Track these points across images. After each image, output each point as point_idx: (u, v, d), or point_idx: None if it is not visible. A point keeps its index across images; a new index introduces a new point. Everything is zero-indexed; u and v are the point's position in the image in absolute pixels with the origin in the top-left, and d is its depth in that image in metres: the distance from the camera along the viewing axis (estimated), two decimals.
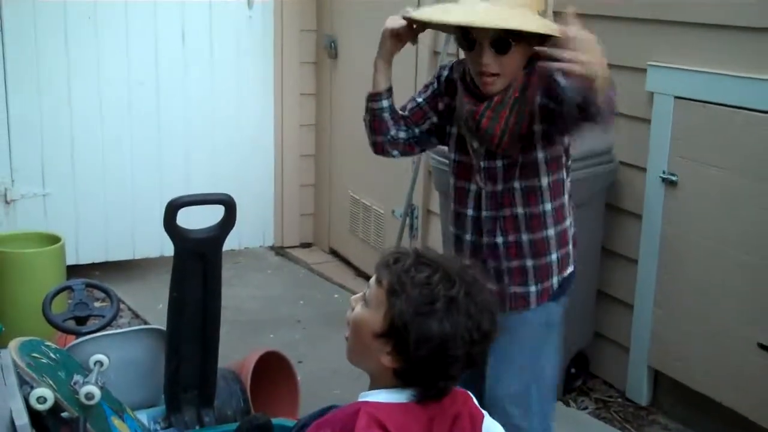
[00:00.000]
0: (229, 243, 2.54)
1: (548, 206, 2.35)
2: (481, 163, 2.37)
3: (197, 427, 2.54)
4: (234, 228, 2.50)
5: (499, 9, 2.15)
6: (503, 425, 2.37)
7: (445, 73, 2.46)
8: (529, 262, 2.38)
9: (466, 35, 2.23)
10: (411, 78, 4.27)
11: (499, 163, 2.34)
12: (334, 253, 5.40)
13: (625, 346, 3.62)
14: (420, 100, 2.51)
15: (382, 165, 4.74)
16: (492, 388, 2.43)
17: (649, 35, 3.40)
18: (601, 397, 3.71)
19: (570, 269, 2.44)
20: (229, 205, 2.42)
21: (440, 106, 2.47)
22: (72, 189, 4.74)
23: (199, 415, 2.62)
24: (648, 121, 3.40)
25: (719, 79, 3.12)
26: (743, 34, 3.07)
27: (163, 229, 2.42)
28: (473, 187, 2.42)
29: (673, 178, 3.31)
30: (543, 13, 2.23)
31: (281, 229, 5.44)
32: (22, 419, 1.93)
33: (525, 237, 2.37)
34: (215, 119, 5.06)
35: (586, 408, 3.63)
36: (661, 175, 3.34)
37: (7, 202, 4.60)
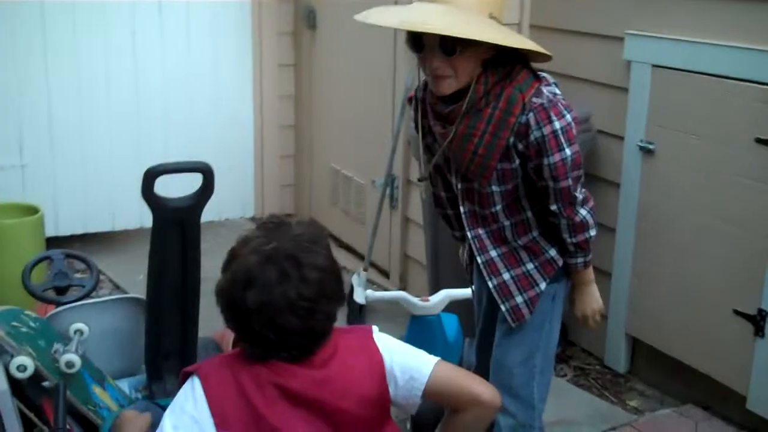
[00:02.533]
0: (210, 214, 2.55)
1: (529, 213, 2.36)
2: (458, 184, 2.38)
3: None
4: (214, 199, 2.50)
5: (438, 10, 2.12)
6: (506, 393, 2.41)
7: (416, 93, 2.42)
8: (530, 265, 2.39)
9: (416, 39, 2.19)
10: (389, 114, 4.29)
11: (475, 185, 2.33)
12: (314, 224, 5.40)
13: (604, 314, 3.64)
14: (424, 156, 2.51)
15: (361, 136, 4.74)
16: (499, 357, 2.45)
17: (626, 3, 3.40)
18: (579, 364, 3.74)
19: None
20: (206, 172, 2.42)
21: (420, 129, 2.43)
22: (50, 160, 4.71)
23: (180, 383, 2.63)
24: (625, 89, 3.41)
25: (697, 47, 3.13)
26: (722, 2, 3.08)
27: (142, 201, 2.42)
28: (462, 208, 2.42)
29: (651, 147, 3.32)
30: (500, 19, 2.19)
31: (261, 201, 5.43)
32: (2, 385, 1.94)
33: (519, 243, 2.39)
34: (193, 90, 5.02)
35: (564, 375, 3.66)
36: (639, 143, 3.36)
37: None
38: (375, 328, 1.83)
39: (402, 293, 3.21)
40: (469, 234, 2.40)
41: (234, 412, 1.66)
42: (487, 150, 2.21)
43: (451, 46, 2.12)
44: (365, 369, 1.74)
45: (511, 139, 2.19)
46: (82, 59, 4.68)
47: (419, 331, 3.03)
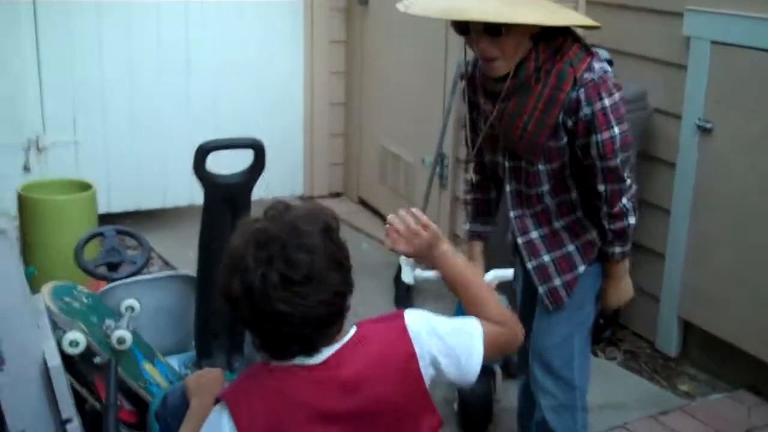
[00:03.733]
0: (258, 192, 2.54)
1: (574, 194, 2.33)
2: (506, 162, 2.35)
3: (227, 373, 2.56)
4: (263, 177, 2.49)
5: None
6: (546, 373, 2.38)
7: (468, 69, 2.40)
8: (571, 247, 2.36)
9: (461, 22, 2.16)
10: (440, 92, 4.25)
11: (522, 164, 2.30)
12: (363, 203, 5.39)
13: (656, 296, 3.59)
14: (467, 132, 2.49)
15: (412, 114, 4.71)
16: (538, 338, 2.43)
17: None
18: (629, 348, 3.70)
19: None
20: (258, 149, 2.42)
21: (473, 102, 2.41)
22: (103, 137, 4.74)
23: (229, 360, 2.64)
24: (684, 67, 3.33)
25: (759, 23, 3.04)
26: None
27: (193, 178, 2.42)
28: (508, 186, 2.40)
29: (709, 126, 3.25)
30: None
31: (310, 179, 5.43)
32: (55, 360, 1.95)
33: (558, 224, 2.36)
34: (245, 67, 5.02)
35: (614, 359, 3.62)
36: (696, 122, 3.29)
37: (38, 150, 4.62)
38: (408, 313, 1.67)
39: None
40: (511, 214, 2.38)
41: None
42: (537, 127, 2.19)
43: (496, 27, 2.10)
44: (397, 362, 1.61)
45: (561, 116, 2.17)
46: (134, 36, 4.70)
47: None
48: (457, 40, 4.05)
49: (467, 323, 1.70)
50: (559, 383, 2.41)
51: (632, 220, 2.29)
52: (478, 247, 2.59)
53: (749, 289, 3.19)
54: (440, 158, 4.24)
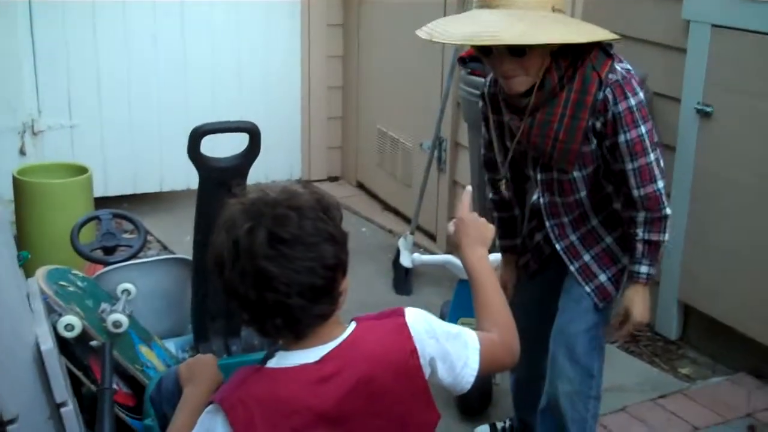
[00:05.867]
0: (256, 176, 2.52)
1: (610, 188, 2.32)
2: (538, 176, 2.35)
3: (225, 356, 2.55)
4: (261, 161, 2.48)
5: (503, 18, 2.08)
6: (567, 359, 2.36)
7: (486, 89, 2.40)
8: (608, 239, 2.37)
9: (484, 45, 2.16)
10: (438, 75, 4.23)
11: (555, 174, 2.30)
12: (361, 186, 5.37)
13: (656, 280, 3.57)
14: (483, 152, 2.49)
15: (410, 97, 4.69)
16: (563, 324, 2.41)
17: None
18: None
19: None
20: (253, 132, 2.39)
21: (492, 124, 2.41)
22: (99, 120, 4.73)
23: (227, 344, 2.63)
24: (683, 50, 3.31)
25: (759, 6, 3.02)
26: None
27: (189, 162, 2.40)
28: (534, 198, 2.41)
29: (708, 110, 3.22)
30: (562, 9, 2.16)
31: (308, 163, 5.41)
32: (47, 344, 1.93)
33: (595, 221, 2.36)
34: (241, 50, 5.00)
35: (615, 342, 3.60)
36: (696, 106, 3.26)
37: (34, 134, 4.60)
38: (408, 311, 1.63)
39: (449, 257, 3.17)
40: (547, 223, 2.39)
41: None
42: (568, 134, 2.20)
43: (520, 48, 2.11)
44: (398, 359, 1.56)
45: (590, 120, 2.17)
46: (129, 19, 4.68)
47: (466, 296, 2.97)
48: None
49: (464, 332, 1.65)
50: (579, 370, 2.40)
51: (666, 235, 2.27)
52: (510, 261, 2.60)
53: (749, 272, 3.17)
54: (438, 142, 4.22)
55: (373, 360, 1.54)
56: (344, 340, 1.55)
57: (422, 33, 2.19)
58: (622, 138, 2.17)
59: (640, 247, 2.27)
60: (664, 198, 2.25)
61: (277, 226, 1.45)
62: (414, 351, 1.57)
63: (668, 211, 2.26)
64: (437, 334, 1.61)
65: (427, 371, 1.59)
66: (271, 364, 1.55)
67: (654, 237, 2.26)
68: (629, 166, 2.20)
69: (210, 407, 1.54)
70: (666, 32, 3.37)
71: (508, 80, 2.19)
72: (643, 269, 2.29)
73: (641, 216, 2.24)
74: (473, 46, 2.23)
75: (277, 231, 1.45)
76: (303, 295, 1.46)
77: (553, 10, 2.14)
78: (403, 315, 1.61)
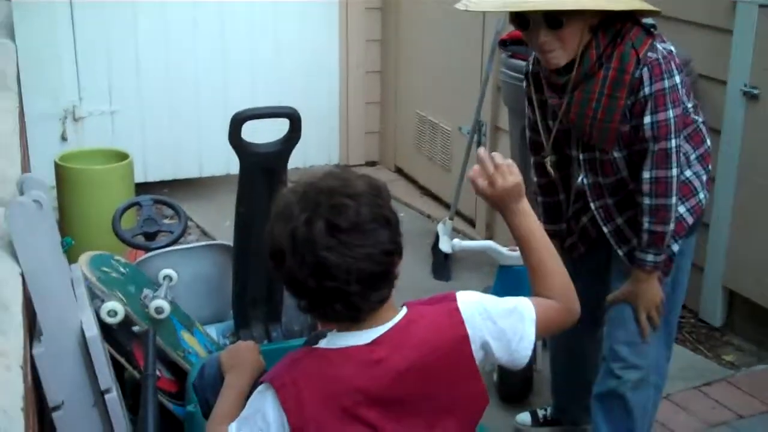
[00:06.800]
0: (294, 161, 2.51)
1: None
2: (580, 155, 2.32)
3: (265, 342, 2.55)
4: (299, 146, 2.46)
5: None
6: (627, 347, 2.34)
7: (530, 67, 2.38)
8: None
9: (521, 16, 2.14)
10: (477, 59, 4.17)
11: (597, 154, 2.27)
12: (399, 171, 5.35)
13: (700, 265, 3.52)
14: (529, 134, 2.48)
15: (449, 81, 4.65)
16: (623, 311, 2.37)
17: None
18: None
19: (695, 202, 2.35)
20: (293, 118, 2.38)
21: (535, 103, 2.39)
22: (139, 107, 4.75)
23: (267, 330, 2.63)
24: (729, 31, 3.24)
25: None
26: None
27: (229, 147, 2.40)
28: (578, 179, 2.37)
29: (755, 92, 3.16)
30: None
31: (346, 148, 5.40)
32: (92, 330, 1.94)
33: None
34: (279, 36, 4.99)
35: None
36: (743, 88, 3.20)
37: (75, 120, 4.63)
38: (460, 295, 1.62)
39: (489, 242, 3.15)
40: (593, 205, 2.36)
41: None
42: (606, 113, 2.17)
43: (557, 19, 2.09)
44: (449, 345, 1.56)
45: (629, 99, 2.14)
46: (169, 5, 4.69)
47: (507, 282, 2.97)
48: None
49: (520, 304, 1.63)
50: (645, 359, 2.37)
51: (671, 227, 2.22)
52: (554, 245, 2.55)
53: None
54: (478, 126, 4.18)
55: (424, 345, 1.54)
56: (396, 324, 1.55)
57: (460, 5, 2.19)
58: (647, 119, 2.14)
59: (645, 237, 2.24)
60: (674, 187, 2.19)
61: (335, 215, 1.45)
62: (465, 336, 1.57)
63: (674, 200, 2.20)
64: (492, 314, 1.60)
65: (479, 356, 1.59)
66: (323, 344, 1.56)
67: (659, 228, 2.21)
68: (651, 147, 2.16)
69: (260, 387, 1.56)
70: (712, 13, 3.30)
71: (545, 54, 2.16)
72: (650, 257, 2.26)
73: (647, 202, 2.20)
74: (511, 19, 2.20)
75: (336, 220, 1.45)
76: (362, 282, 1.47)
77: None
78: (455, 300, 1.61)
